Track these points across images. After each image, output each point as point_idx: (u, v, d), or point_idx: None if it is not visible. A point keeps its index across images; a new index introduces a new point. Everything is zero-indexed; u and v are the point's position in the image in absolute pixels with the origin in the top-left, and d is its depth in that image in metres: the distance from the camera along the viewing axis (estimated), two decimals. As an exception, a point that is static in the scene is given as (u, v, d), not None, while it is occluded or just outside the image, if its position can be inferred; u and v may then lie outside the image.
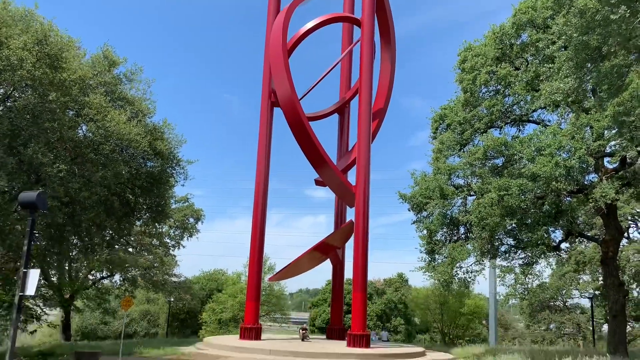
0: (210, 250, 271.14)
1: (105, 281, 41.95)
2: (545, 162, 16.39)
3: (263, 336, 35.07)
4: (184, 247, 40.33)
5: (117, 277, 40.02)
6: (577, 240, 27.53)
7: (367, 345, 29.43)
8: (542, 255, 19.81)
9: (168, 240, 40.05)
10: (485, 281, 44.22)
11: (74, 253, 28.98)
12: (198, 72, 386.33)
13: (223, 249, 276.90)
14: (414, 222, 23.74)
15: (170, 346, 30.52)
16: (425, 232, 23.13)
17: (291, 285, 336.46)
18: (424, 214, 23.03)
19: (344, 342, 31.19)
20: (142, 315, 61.86)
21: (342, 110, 41.09)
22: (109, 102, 22.11)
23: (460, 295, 53.74)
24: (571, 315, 53.53)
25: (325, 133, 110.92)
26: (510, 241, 22.07)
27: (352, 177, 35.98)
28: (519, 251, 21.55)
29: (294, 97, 31.19)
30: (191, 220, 40.31)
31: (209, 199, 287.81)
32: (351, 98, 40.21)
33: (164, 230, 39.17)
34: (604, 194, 16.18)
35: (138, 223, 34.29)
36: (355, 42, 38.57)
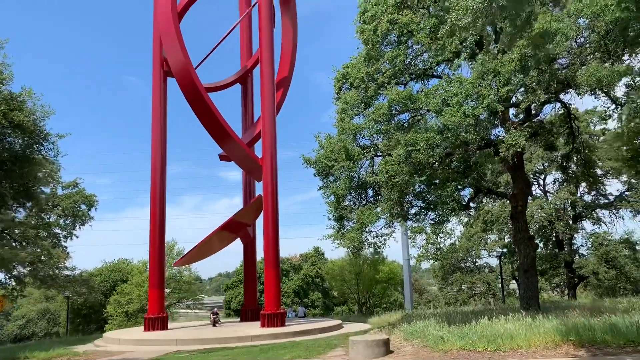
0: (121, 240, 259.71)
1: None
2: (453, 112, 15.49)
3: (173, 325, 32.79)
4: (77, 237, 36.51)
5: (0, 275, 35.61)
6: (485, 198, 27.59)
7: (282, 324, 28.16)
8: (452, 213, 19.22)
9: (58, 231, 36.05)
10: (399, 247, 44.26)
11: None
12: (92, 54, 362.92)
13: (134, 237, 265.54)
14: (320, 188, 22.34)
15: (66, 345, 27.38)
16: (332, 197, 21.81)
17: (210, 269, 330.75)
18: (331, 178, 21.72)
19: (259, 323, 29.74)
20: (40, 314, 56.77)
21: (244, 80, 38.87)
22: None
23: (375, 263, 53.95)
24: (481, 275, 55.50)
25: (229, 107, 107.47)
26: (420, 203, 21.37)
27: (259, 151, 34.18)
28: (429, 212, 20.88)
29: (187, 63, 28.68)
30: (83, 207, 36.43)
31: (117, 186, 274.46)
32: (253, 66, 38.06)
33: (52, 219, 35.20)
34: (513, 142, 15.58)
35: (20, 214, 30.42)
36: (254, 4, 36.39)
